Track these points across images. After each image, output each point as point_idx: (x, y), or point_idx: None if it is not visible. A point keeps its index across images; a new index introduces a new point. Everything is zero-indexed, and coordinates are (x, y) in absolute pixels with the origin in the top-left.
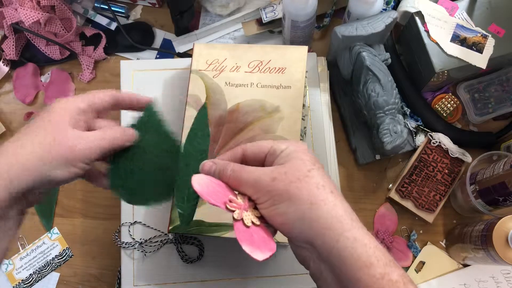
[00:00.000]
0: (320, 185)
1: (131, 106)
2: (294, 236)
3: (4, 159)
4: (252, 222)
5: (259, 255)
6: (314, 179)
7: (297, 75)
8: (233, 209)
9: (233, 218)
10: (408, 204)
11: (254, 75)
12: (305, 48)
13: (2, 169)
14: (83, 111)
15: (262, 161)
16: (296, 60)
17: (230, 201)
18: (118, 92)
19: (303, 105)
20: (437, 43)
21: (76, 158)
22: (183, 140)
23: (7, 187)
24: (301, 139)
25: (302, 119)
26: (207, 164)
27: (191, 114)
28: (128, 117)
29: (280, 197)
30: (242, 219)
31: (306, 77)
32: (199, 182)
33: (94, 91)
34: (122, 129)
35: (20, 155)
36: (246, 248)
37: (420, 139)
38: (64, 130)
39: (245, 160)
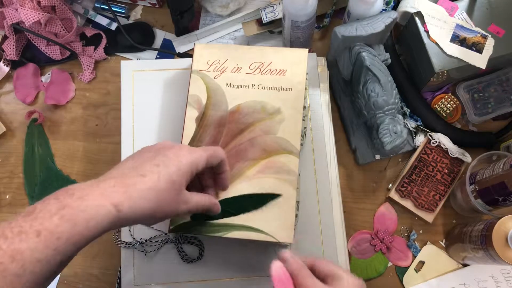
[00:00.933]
0: None
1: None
2: None
3: (122, 194)
4: None
5: None
6: None
7: (298, 77)
8: None
9: None
10: (408, 204)
11: (255, 76)
12: (306, 50)
13: (121, 203)
14: (199, 170)
15: (324, 277)
16: (296, 62)
17: None
18: (225, 156)
19: (304, 107)
20: (436, 43)
21: (173, 215)
22: (185, 141)
23: (114, 220)
24: (301, 139)
25: (302, 119)
26: (287, 255)
27: (191, 115)
28: (128, 123)
29: None
30: None
31: (306, 79)
32: (277, 270)
33: (210, 148)
34: (214, 200)
35: (133, 200)
36: None
37: (420, 139)
38: (177, 193)
39: (312, 268)
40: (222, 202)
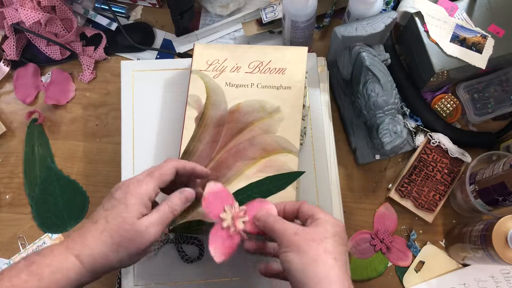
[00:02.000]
0: (328, 251)
1: (191, 174)
2: (292, 282)
3: (80, 243)
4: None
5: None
6: (325, 244)
7: (298, 76)
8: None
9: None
10: (408, 204)
11: (254, 75)
12: (305, 49)
13: (81, 252)
14: (152, 196)
15: (306, 220)
16: (296, 61)
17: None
18: (178, 162)
19: (303, 106)
20: (436, 43)
21: (145, 246)
22: (185, 141)
23: (79, 271)
24: (301, 139)
25: (302, 119)
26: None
27: (191, 114)
28: (128, 118)
29: (293, 248)
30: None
31: (306, 77)
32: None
33: (157, 168)
34: (183, 193)
35: (89, 247)
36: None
37: (420, 139)
38: (132, 226)
39: (296, 212)
40: (247, 188)
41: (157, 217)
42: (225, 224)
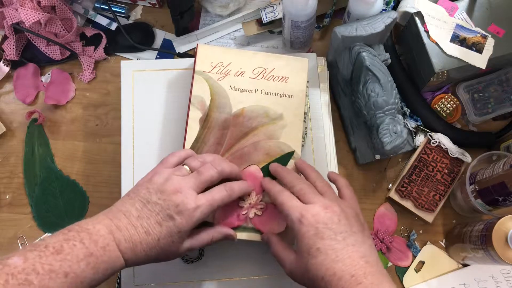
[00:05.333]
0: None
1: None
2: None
3: (131, 248)
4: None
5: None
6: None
7: (299, 86)
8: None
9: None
10: (408, 204)
11: (258, 81)
12: (306, 60)
13: (128, 257)
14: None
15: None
16: (298, 71)
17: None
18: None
19: (304, 113)
20: (436, 43)
21: (175, 257)
22: (188, 142)
23: (120, 268)
24: (302, 140)
25: (303, 120)
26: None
27: (195, 115)
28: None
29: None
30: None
31: (307, 86)
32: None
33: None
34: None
35: (137, 256)
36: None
37: (420, 139)
38: (177, 247)
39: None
40: (265, 168)
41: (201, 239)
42: (241, 203)
